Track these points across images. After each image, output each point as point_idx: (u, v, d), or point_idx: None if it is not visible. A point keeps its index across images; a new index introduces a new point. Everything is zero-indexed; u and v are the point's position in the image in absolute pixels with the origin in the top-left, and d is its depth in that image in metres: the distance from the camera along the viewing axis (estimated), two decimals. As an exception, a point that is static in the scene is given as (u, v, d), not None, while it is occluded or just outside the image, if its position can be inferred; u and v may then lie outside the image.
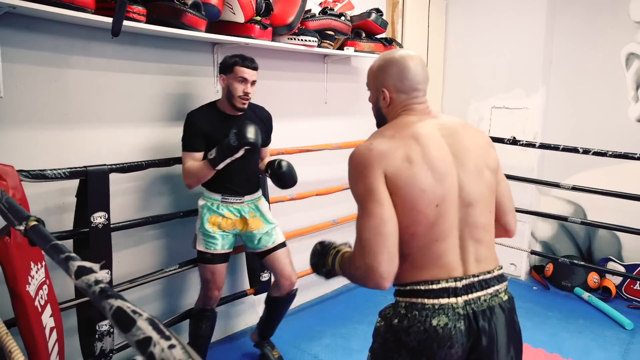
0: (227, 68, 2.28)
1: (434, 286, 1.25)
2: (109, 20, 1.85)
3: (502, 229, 1.47)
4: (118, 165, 2.18)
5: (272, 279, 2.69)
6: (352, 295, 3.62)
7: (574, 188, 3.50)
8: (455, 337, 1.23)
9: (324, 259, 1.47)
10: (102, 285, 0.77)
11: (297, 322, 3.19)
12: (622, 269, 3.67)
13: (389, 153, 1.25)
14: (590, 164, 3.70)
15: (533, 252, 3.93)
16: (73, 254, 0.89)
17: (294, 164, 2.49)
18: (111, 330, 2.13)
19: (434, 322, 1.23)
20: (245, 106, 2.34)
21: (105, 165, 2.11)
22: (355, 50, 3.14)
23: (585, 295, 3.59)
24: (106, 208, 2.09)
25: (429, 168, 1.25)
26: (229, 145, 2.11)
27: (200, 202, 2.41)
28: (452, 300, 1.25)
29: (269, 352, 2.71)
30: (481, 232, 1.31)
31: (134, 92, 2.37)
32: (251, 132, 2.12)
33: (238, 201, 2.41)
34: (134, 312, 0.66)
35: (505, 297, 1.33)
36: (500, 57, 3.97)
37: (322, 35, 2.88)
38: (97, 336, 2.09)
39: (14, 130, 1.99)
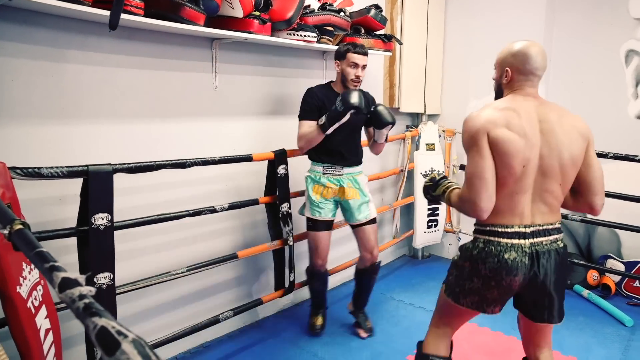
0: (340, 55, 2.65)
1: (509, 229, 1.64)
2: (107, 13, 1.82)
3: (588, 206, 1.74)
4: (124, 165, 2.06)
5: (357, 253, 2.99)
6: (348, 293, 3.58)
7: (574, 185, 3.48)
8: (520, 268, 1.63)
9: (435, 188, 1.91)
10: (86, 300, 0.70)
11: (296, 320, 3.17)
12: (622, 267, 3.66)
13: (492, 120, 1.60)
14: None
15: (532, 250, 3.91)
16: (57, 264, 0.82)
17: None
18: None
19: (506, 256, 1.63)
20: (358, 87, 2.66)
21: (109, 164, 2.00)
22: (355, 47, 3.11)
23: (585, 292, 3.58)
24: (109, 209, 1.98)
25: (523, 136, 1.59)
26: (336, 111, 2.45)
27: (306, 174, 2.80)
28: (522, 241, 1.64)
29: (362, 321, 3.02)
30: (549, 196, 1.67)
31: (132, 87, 2.34)
32: (355, 97, 2.42)
33: (337, 173, 2.74)
34: (119, 332, 0.61)
35: (562, 245, 1.72)
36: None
37: (321, 31, 2.86)
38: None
39: (9, 126, 1.96)
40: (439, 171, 2.04)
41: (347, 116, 2.45)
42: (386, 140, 2.81)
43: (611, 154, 3.25)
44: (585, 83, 3.80)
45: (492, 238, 1.66)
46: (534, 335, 1.84)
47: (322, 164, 2.74)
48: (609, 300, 3.48)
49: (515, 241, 1.64)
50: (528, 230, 1.64)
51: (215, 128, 2.74)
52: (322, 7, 2.87)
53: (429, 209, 3.93)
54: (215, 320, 2.57)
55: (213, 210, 2.47)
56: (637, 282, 3.57)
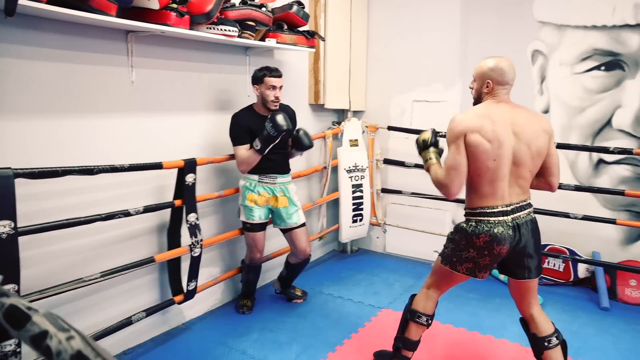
0: (258, 79, 2.85)
1: (495, 209, 2.08)
2: (4, -1, 1.70)
3: (547, 185, 2.23)
4: (26, 170, 1.94)
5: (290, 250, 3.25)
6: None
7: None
8: (507, 238, 2.07)
9: (421, 151, 2.32)
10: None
11: (224, 319, 3.13)
12: (533, 251, 3.92)
13: (469, 126, 2.02)
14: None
15: (453, 239, 4.10)
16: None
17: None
18: (18, 350, 1.89)
19: (495, 230, 2.06)
20: (278, 107, 2.89)
21: (9, 168, 1.87)
22: (278, 42, 3.11)
23: (502, 276, 3.81)
24: (11, 216, 1.85)
25: (493, 139, 2.01)
26: (268, 135, 2.73)
27: (241, 182, 3.01)
28: (505, 217, 2.08)
29: (294, 291, 3.41)
30: (522, 181, 2.11)
31: (37, 81, 2.18)
32: (282, 121, 2.72)
33: (271, 182, 3.00)
34: (29, 308, 0.61)
35: (533, 216, 2.18)
36: (420, 52, 4.12)
37: (243, 25, 2.83)
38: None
39: None
40: (434, 131, 2.34)
41: (279, 138, 2.77)
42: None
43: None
44: (496, 80, 4.02)
45: (482, 218, 2.09)
46: (524, 294, 2.26)
47: (257, 174, 2.96)
48: (522, 282, 3.71)
49: (501, 218, 2.07)
50: (509, 208, 2.09)
51: (132, 125, 2.63)
52: (243, 2, 2.84)
53: (353, 204, 4.01)
54: (127, 322, 2.46)
55: (127, 214, 2.37)
56: (546, 262, 3.85)
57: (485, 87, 2.14)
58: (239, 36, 2.79)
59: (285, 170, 3.09)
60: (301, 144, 3.01)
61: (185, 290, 2.82)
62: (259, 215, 2.98)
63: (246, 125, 2.86)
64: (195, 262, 2.75)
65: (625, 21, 3.49)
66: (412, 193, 4.04)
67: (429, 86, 4.09)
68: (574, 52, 3.71)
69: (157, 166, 2.54)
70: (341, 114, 4.32)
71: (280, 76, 2.85)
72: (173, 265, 2.81)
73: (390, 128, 4.08)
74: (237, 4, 2.81)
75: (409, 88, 4.20)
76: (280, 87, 2.87)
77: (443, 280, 2.32)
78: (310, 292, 3.53)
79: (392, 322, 3.04)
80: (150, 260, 2.53)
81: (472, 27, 4.06)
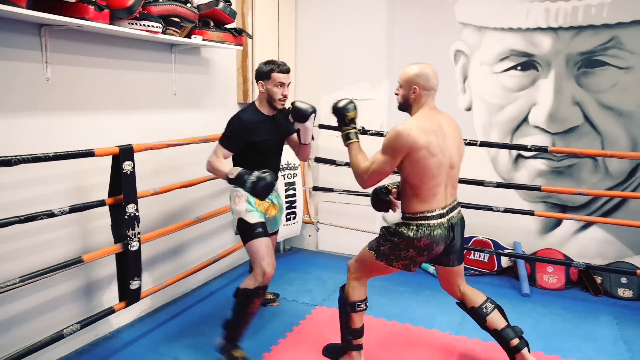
0: (264, 75, 2.59)
1: (434, 213, 2.19)
2: None
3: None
4: None
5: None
6: (211, 292, 3.52)
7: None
8: (444, 239, 2.23)
9: (342, 124, 2.41)
10: None
11: (154, 325, 3.01)
12: (460, 243, 4.11)
13: (418, 141, 2.09)
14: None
15: (385, 234, 4.20)
16: None
17: (162, 157, 2.39)
18: None
19: (435, 233, 2.18)
20: (285, 105, 2.66)
21: None
22: (204, 39, 3.03)
23: (431, 269, 3.94)
24: None
25: (438, 152, 2.13)
26: (244, 184, 2.39)
27: (234, 191, 2.63)
28: (442, 220, 2.21)
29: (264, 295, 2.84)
30: (454, 181, 2.31)
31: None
32: (261, 189, 2.39)
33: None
34: None
35: (461, 215, 2.38)
36: (348, 51, 4.17)
37: (167, 21, 2.74)
38: None
39: None
40: (354, 104, 2.44)
41: (250, 190, 2.43)
42: (312, 138, 2.84)
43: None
44: (422, 79, 4.16)
45: (422, 222, 2.19)
46: (453, 278, 2.47)
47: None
48: (450, 273, 3.87)
49: (439, 220, 2.20)
50: (444, 210, 2.23)
51: (48, 124, 2.47)
52: (167, -3, 2.75)
53: (287, 202, 4.00)
54: (59, 337, 2.31)
55: (51, 215, 2.22)
56: (472, 254, 4.03)
57: (412, 93, 2.22)
58: (163, 32, 2.69)
59: (275, 177, 2.68)
60: (301, 113, 2.60)
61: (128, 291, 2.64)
62: (260, 217, 2.63)
63: (247, 130, 2.56)
64: (135, 258, 2.61)
65: (538, 24, 3.72)
66: (343, 191, 4.10)
67: (357, 85, 4.16)
68: (493, 53, 3.91)
69: (88, 154, 2.36)
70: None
71: (288, 71, 2.63)
72: (122, 265, 2.63)
73: (321, 126, 4.11)
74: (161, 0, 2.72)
75: (338, 87, 4.25)
76: (289, 84, 2.65)
77: (374, 271, 2.42)
78: (244, 294, 3.48)
79: (327, 319, 3.07)
80: (78, 261, 2.38)
81: (398, 27, 4.18)
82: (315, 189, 4.29)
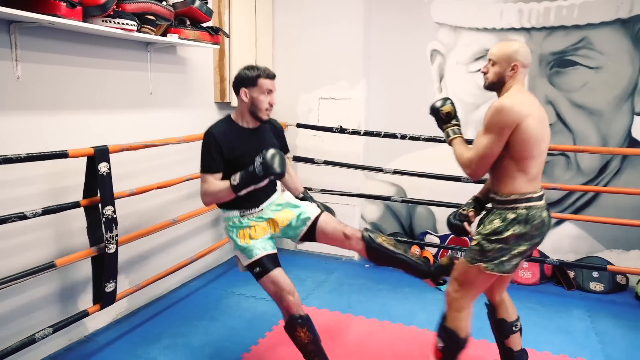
0: (249, 81, 2.25)
1: (539, 194, 2.01)
2: None
3: None
4: None
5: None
6: (189, 293, 3.49)
7: (395, 172, 3.85)
8: (549, 223, 2.04)
9: (442, 123, 2.25)
10: None
11: (131, 327, 2.97)
12: (437, 240, 4.16)
13: (524, 109, 1.91)
14: (408, 148, 4.11)
15: (364, 233, 4.22)
16: None
17: (138, 158, 2.25)
18: None
19: (543, 215, 1.99)
20: (270, 116, 2.33)
21: None
22: (180, 38, 3.00)
23: (409, 266, 3.98)
24: None
25: (542, 121, 1.97)
26: (254, 175, 2.09)
27: (224, 225, 2.38)
28: (543, 202, 2.02)
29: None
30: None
31: None
32: (277, 162, 2.10)
33: (258, 210, 2.34)
34: None
35: None
36: (325, 50, 4.18)
37: (142, 20, 2.69)
38: None
39: None
40: (452, 101, 2.28)
41: (266, 181, 2.15)
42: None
43: (423, 137, 3.65)
44: (400, 78, 4.21)
45: (531, 204, 1.98)
46: (507, 279, 2.23)
47: (237, 209, 2.31)
48: (428, 271, 3.91)
49: (542, 202, 2.02)
50: (542, 192, 2.04)
51: (20, 124, 2.40)
52: (142, -5, 2.71)
53: (267, 202, 3.99)
54: (30, 341, 2.25)
55: (23, 217, 2.17)
56: (450, 251, 4.08)
57: (510, 70, 2.03)
58: (138, 31, 2.65)
59: (273, 190, 2.42)
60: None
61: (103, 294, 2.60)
62: (263, 247, 2.28)
63: (223, 147, 2.22)
64: (111, 260, 2.57)
65: (511, 25, 3.79)
66: (322, 190, 4.10)
67: (335, 84, 4.17)
68: (468, 52, 3.97)
69: (62, 155, 2.32)
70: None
71: (275, 77, 2.31)
72: (98, 268, 2.58)
73: (299, 125, 4.10)
74: (135, -3, 2.68)
75: (316, 86, 4.25)
76: (274, 92, 2.31)
77: (481, 288, 2.11)
78: (222, 294, 3.46)
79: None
80: (50, 266, 2.33)
81: (375, 26, 4.20)
82: (294, 188, 4.28)
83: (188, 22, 3.09)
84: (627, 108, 3.57)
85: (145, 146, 2.84)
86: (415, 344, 2.81)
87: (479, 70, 3.92)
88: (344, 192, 4.03)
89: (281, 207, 2.41)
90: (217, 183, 2.21)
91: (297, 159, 4.20)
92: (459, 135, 2.18)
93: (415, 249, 4.15)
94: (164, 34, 2.96)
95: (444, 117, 2.23)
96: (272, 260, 2.27)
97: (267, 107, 2.27)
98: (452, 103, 2.26)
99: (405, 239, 4.12)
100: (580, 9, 3.58)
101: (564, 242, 3.91)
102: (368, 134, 3.88)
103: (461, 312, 2.09)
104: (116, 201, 2.58)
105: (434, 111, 2.28)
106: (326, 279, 3.78)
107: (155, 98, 3.23)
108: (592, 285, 3.68)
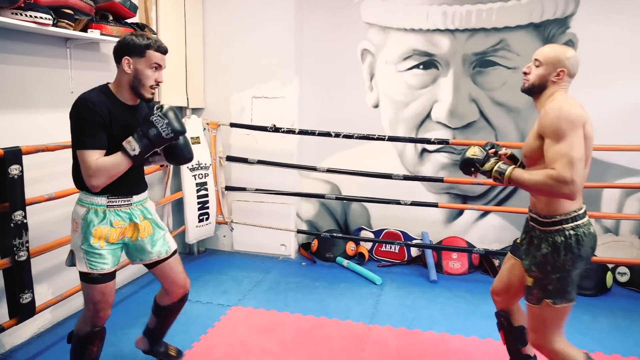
0: (136, 50, 1.93)
1: (583, 209, 1.85)
2: None
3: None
4: None
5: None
6: (120, 300, 3.34)
7: (329, 170, 3.89)
8: (596, 239, 1.88)
9: (483, 162, 1.97)
10: None
11: (54, 341, 2.80)
12: (372, 235, 4.25)
13: (583, 113, 1.77)
14: (342, 146, 4.17)
15: (299, 231, 4.24)
16: None
17: (57, 160, 2.15)
18: None
19: (592, 230, 1.85)
20: (154, 96, 2.04)
21: None
22: (102, 34, 2.87)
23: (345, 262, 4.04)
24: None
25: (591, 131, 1.81)
26: (159, 137, 1.89)
27: (79, 210, 2.00)
28: (588, 217, 1.87)
29: (166, 350, 2.55)
30: None
31: None
32: (178, 121, 1.94)
33: (126, 203, 2.07)
34: None
35: None
36: (257, 49, 4.15)
37: (59, 13, 2.55)
38: None
39: None
40: (493, 145, 2.08)
41: (171, 143, 1.98)
42: None
43: (356, 135, 3.71)
44: (333, 77, 4.26)
45: (578, 222, 1.83)
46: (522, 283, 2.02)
47: (105, 195, 2.00)
48: (364, 265, 4.00)
49: (587, 218, 1.86)
50: (585, 206, 1.88)
51: None
52: (58, -13, 2.56)
53: (199, 203, 3.91)
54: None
55: None
56: (384, 246, 4.19)
57: (556, 76, 1.88)
58: (54, 25, 2.51)
59: (144, 185, 2.22)
60: (180, 155, 2.14)
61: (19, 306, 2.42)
62: (112, 262, 2.04)
63: (103, 116, 1.90)
64: (24, 269, 2.39)
65: (437, 26, 3.94)
66: (256, 189, 4.07)
67: (267, 83, 4.16)
68: (397, 52, 4.08)
69: None
70: (180, 112, 4.17)
71: (167, 52, 2.03)
72: (10, 279, 2.40)
73: (232, 125, 4.05)
74: (50, -10, 2.53)
75: (248, 85, 4.21)
76: (163, 68, 2.04)
77: (561, 322, 1.89)
78: (150, 302, 3.34)
79: (243, 318, 3.05)
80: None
81: (306, 25, 4.23)
82: (228, 188, 4.22)
83: (111, 18, 2.96)
84: (542, 105, 3.81)
85: (64, 147, 2.68)
86: (350, 337, 2.85)
87: (407, 69, 4.04)
88: (278, 191, 4.02)
89: (149, 215, 2.19)
90: (107, 158, 1.90)
91: (230, 158, 4.14)
92: (513, 166, 1.91)
93: (351, 245, 4.22)
94: (84, 30, 2.82)
95: (480, 165, 1.99)
96: (110, 276, 2.06)
97: (152, 84, 1.99)
98: (484, 154, 2.02)
99: (340, 235, 4.17)
100: (498, 13, 3.78)
101: (489, 232, 4.12)
102: (303, 132, 3.90)
103: (558, 351, 1.88)
104: (34, 206, 2.43)
105: (465, 164, 2.05)
106: (263, 279, 3.75)
107: (76, 97, 3.06)
108: (516, 273, 3.89)
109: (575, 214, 1.82)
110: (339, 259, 4.12)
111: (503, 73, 3.86)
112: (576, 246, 1.80)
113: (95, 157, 1.88)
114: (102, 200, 2.01)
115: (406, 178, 3.80)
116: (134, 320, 3.04)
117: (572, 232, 1.81)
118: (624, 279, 3.71)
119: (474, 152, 2.01)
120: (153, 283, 3.65)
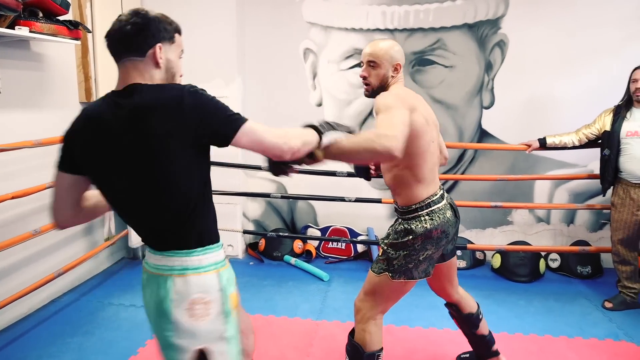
0: (167, 34, 1.40)
1: (437, 195, 1.95)
2: None
3: (444, 159, 2.26)
4: None
5: None
6: (60, 309, 3.22)
7: (274, 167, 3.89)
8: (454, 222, 1.99)
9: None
10: None
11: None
12: (318, 233, 4.30)
13: (410, 101, 1.80)
14: (286, 145, 4.18)
15: (245, 232, 4.23)
16: None
17: None
18: None
19: (447, 214, 1.94)
20: None
21: None
22: (31, 31, 2.74)
23: (293, 260, 4.07)
24: None
25: (428, 118, 1.88)
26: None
27: (209, 281, 1.35)
28: (445, 200, 1.98)
29: None
30: (438, 158, 2.06)
31: None
32: None
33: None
34: None
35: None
36: (198, 48, 4.07)
37: (-17, 10, 2.42)
38: None
39: None
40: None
41: None
42: None
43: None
44: (276, 76, 4.27)
45: (432, 208, 1.92)
46: (452, 274, 2.20)
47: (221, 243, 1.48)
48: (312, 263, 4.04)
49: (444, 202, 1.96)
50: (441, 191, 1.99)
51: None
52: (-19, -18, 2.43)
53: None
54: None
55: None
56: (330, 243, 4.24)
57: (394, 71, 1.91)
58: (-21, 22, 2.38)
59: None
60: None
61: None
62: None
63: None
64: None
65: (377, 26, 4.03)
66: (203, 190, 4.02)
67: (211, 82, 4.10)
68: (339, 51, 4.14)
69: None
70: None
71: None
72: None
73: (174, 125, 3.97)
74: (-27, -15, 2.40)
75: (191, 84, 4.14)
76: None
77: (393, 298, 2.00)
78: (98, 306, 3.24)
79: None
80: None
81: (248, 24, 4.21)
82: (172, 190, 4.14)
83: (41, 14, 2.83)
84: (477, 103, 3.99)
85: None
86: (299, 334, 2.88)
87: (349, 68, 4.12)
88: (224, 192, 3.98)
89: None
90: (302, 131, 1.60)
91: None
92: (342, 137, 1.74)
93: (298, 243, 4.24)
94: (11, 27, 2.68)
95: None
96: None
97: (182, 74, 1.49)
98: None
99: (287, 234, 4.19)
100: (435, 14, 3.92)
101: (431, 226, 4.26)
102: (246, 131, 3.88)
103: (371, 324, 1.95)
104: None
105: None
106: (210, 280, 3.72)
107: (5, 97, 2.91)
108: (458, 263, 4.06)
109: (429, 200, 1.93)
110: (287, 257, 4.14)
111: (441, 71, 4.00)
112: (431, 230, 1.89)
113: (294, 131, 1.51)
114: (222, 252, 1.44)
115: (350, 175, 3.87)
116: (76, 329, 2.94)
117: (427, 217, 1.91)
118: (555, 264, 3.95)
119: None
120: (96, 289, 3.54)
